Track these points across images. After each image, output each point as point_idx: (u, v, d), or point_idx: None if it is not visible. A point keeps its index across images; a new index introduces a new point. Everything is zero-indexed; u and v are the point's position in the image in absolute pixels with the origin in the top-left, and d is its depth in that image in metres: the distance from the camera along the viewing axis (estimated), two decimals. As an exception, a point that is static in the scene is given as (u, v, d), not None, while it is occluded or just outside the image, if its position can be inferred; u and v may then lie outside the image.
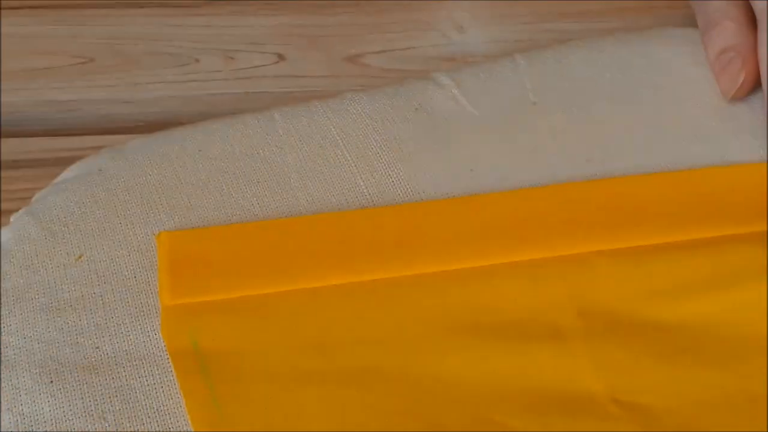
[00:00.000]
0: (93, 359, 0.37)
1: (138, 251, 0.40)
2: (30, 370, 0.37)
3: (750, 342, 0.37)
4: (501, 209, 0.41)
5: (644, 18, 0.50)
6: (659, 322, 0.38)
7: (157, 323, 0.38)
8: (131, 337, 0.38)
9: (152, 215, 0.41)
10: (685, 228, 0.40)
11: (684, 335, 0.37)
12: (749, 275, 0.39)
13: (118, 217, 0.41)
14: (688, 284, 0.38)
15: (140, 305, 0.38)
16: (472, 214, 0.40)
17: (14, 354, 0.37)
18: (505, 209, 0.41)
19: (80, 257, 0.40)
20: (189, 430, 0.35)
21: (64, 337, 0.38)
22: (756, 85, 0.44)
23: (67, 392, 0.36)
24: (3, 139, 0.48)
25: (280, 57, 0.50)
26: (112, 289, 0.39)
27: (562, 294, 0.38)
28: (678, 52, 0.46)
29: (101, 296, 0.39)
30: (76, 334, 0.38)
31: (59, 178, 0.42)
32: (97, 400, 0.36)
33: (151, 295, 0.39)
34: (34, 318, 0.38)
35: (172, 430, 0.36)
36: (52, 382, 0.37)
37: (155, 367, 0.37)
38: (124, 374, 0.37)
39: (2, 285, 0.39)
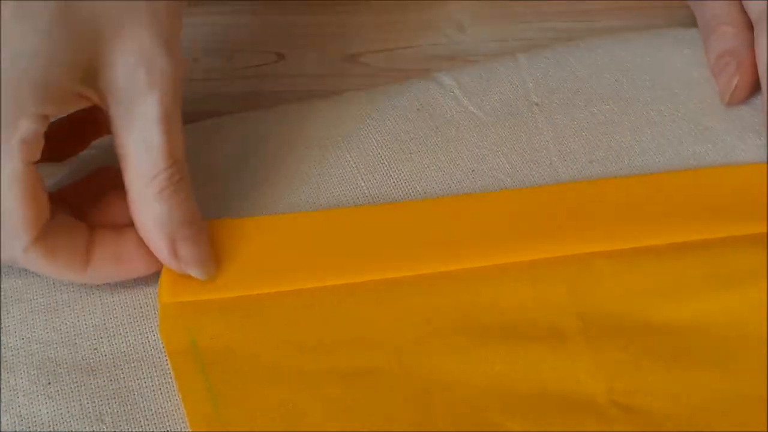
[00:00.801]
0: (91, 360, 0.37)
1: (137, 251, 0.40)
2: (28, 372, 0.37)
3: (750, 342, 0.37)
4: (501, 209, 0.41)
5: (646, 18, 0.50)
6: (659, 323, 0.38)
7: (155, 324, 0.38)
8: (129, 338, 0.38)
9: (151, 215, 0.41)
10: (686, 229, 0.40)
11: (684, 336, 0.37)
12: (749, 276, 0.38)
13: (116, 216, 0.41)
14: (688, 285, 0.38)
15: (138, 306, 0.38)
16: (472, 213, 0.40)
17: (12, 355, 0.37)
18: (505, 209, 0.41)
19: (78, 258, 0.40)
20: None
21: (61, 338, 0.38)
22: (756, 87, 0.44)
23: (65, 394, 0.36)
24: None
25: (280, 56, 0.50)
26: (110, 290, 0.39)
27: (562, 295, 0.38)
28: (680, 52, 0.46)
29: (99, 297, 0.39)
30: (74, 335, 0.38)
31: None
32: (94, 401, 0.36)
33: (149, 296, 0.38)
34: (32, 319, 0.38)
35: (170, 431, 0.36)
36: (49, 383, 0.36)
37: (153, 369, 0.37)
38: (122, 376, 0.37)
39: (1, 285, 0.39)
